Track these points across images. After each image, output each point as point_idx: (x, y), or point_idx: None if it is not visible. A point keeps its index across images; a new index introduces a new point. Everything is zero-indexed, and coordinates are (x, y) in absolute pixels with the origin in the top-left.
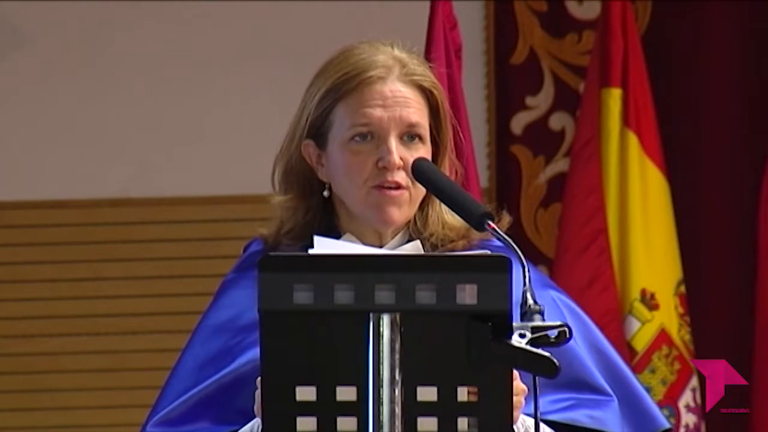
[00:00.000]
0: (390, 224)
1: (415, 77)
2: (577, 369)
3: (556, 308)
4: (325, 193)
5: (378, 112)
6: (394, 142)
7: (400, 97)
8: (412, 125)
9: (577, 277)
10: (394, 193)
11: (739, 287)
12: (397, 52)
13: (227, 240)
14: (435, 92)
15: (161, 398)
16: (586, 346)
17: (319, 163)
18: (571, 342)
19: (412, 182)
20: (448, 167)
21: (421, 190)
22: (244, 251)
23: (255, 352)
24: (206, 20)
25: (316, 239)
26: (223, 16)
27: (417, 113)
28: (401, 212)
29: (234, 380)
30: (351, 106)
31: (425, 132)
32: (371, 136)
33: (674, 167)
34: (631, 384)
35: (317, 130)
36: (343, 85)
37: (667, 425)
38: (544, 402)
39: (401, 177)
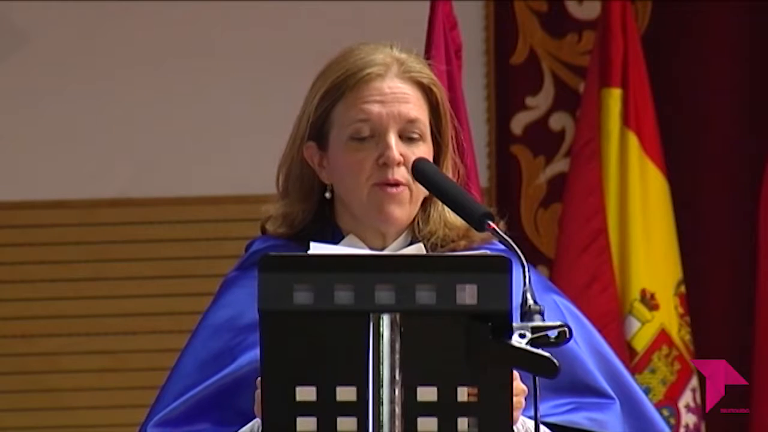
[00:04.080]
0: (392, 223)
1: (413, 74)
2: (578, 372)
3: (558, 312)
4: (327, 195)
5: (377, 108)
6: (393, 138)
7: (399, 93)
8: (411, 121)
9: (577, 277)
10: (393, 190)
11: (739, 287)
12: (395, 52)
13: (227, 240)
14: (434, 89)
15: (161, 397)
16: (587, 349)
17: (321, 165)
18: (573, 345)
19: (414, 180)
20: (450, 166)
21: (422, 189)
22: (246, 249)
23: (255, 353)
24: (207, 21)
25: (313, 245)
26: (223, 16)
27: (416, 110)
28: (402, 210)
29: (234, 381)
30: (350, 104)
31: (425, 129)
32: (371, 135)
33: (674, 167)
34: (632, 389)
35: (318, 132)
36: (341, 84)
37: (668, 431)
38: (545, 407)
39: (401, 174)
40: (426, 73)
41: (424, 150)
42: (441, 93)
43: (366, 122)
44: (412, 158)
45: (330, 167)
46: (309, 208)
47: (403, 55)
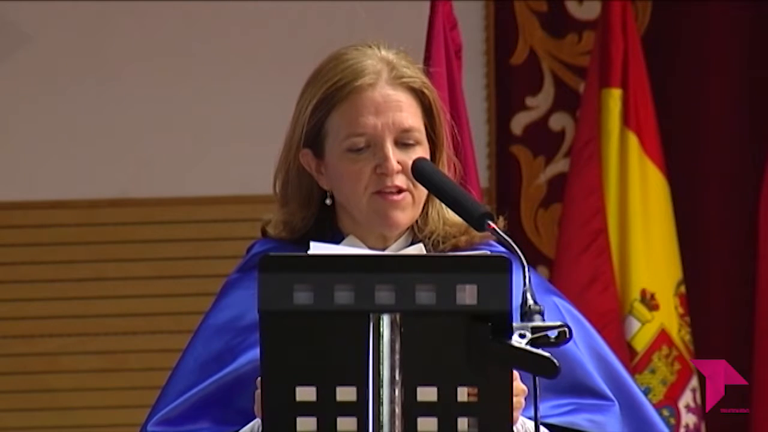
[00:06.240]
0: (395, 228)
1: (404, 79)
2: (578, 374)
3: (558, 313)
4: (327, 201)
5: (371, 120)
6: (390, 148)
7: (392, 101)
8: (406, 130)
9: (577, 277)
10: (396, 197)
11: (739, 287)
12: (384, 53)
13: (227, 240)
14: (426, 92)
15: (162, 397)
16: (587, 351)
17: (318, 172)
18: (573, 347)
19: (414, 184)
20: (446, 165)
21: (423, 191)
22: (248, 252)
23: (256, 353)
24: (206, 21)
25: (313, 245)
26: (223, 16)
27: (410, 117)
28: (405, 215)
29: (235, 380)
30: (344, 116)
31: (420, 135)
32: (367, 145)
33: (674, 167)
34: (631, 391)
35: (313, 140)
36: (334, 94)
37: None
38: (545, 407)
39: (401, 181)
40: (417, 77)
41: (420, 154)
42: (433, 94)
43: (362, 136)
44: (410, 163)
45: (328, 174)
46: (310, 215)
47: (392, 57)
